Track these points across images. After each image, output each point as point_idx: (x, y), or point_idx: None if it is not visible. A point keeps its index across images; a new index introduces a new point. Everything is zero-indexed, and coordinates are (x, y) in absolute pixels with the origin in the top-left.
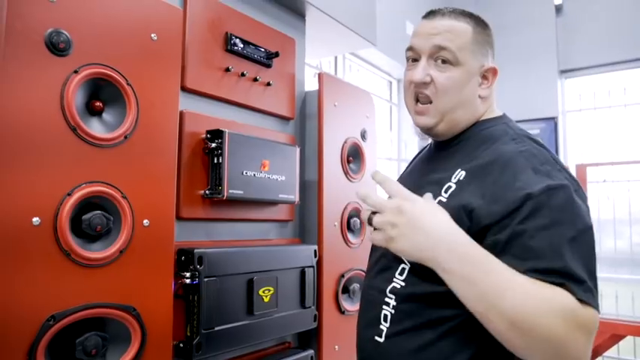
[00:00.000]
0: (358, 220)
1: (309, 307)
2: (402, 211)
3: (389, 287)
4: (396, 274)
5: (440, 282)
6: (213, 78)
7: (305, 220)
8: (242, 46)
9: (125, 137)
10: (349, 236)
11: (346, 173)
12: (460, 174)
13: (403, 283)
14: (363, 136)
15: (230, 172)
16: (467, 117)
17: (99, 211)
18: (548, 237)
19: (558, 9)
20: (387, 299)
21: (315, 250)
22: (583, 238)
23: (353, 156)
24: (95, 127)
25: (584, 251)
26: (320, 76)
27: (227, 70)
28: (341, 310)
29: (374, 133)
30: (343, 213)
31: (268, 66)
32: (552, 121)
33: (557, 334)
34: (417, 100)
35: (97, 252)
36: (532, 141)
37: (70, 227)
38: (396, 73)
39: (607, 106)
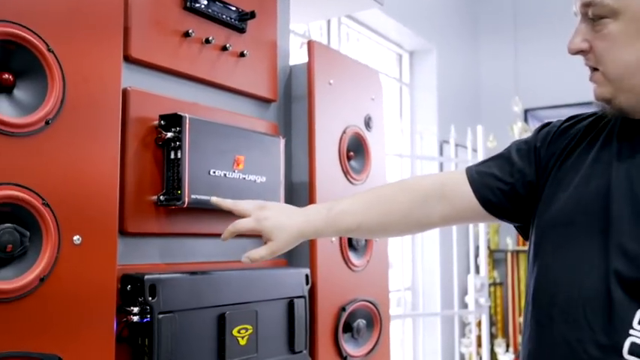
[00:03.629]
0: None
1: (300, 351)
2: (266, 204)
3: (626, 344)
4: (635, 323)
5: None
6: (168, 45)
7: None
8: (206, 3)
9: (46, 123)
10: (351, 256)
11: (346, 173)
12: None
13: None
14: (368, 124)
15: (192, 172)
16: None
17: (10, 225)
18: None
19: None
20: None
21: (306, 275)
22: None
23: (354, 150)
24: (3, 108)
25: None
26: (310, 44)
27: (186, 34)
28: (342, 356)
29: (382, 121)
30: None
31: (241, 30)
32: None
33: None
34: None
35: (7, 281)
36: None
37: None
38: (409, 44)
39: None
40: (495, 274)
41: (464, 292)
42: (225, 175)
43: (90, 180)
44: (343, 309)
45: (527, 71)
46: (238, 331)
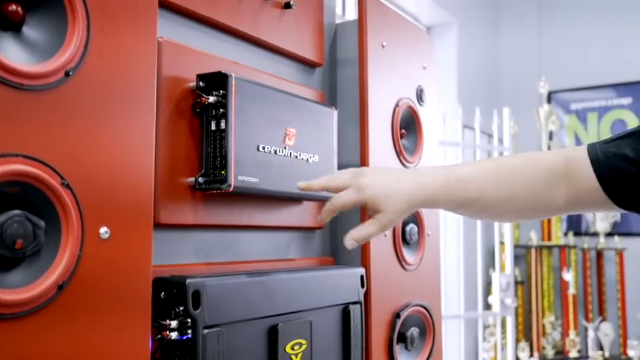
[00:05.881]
0: (416, 228)
1: None
2: (362, 170)
3: None
4: None
5: None
6: None
7: (339, 227)
8: None
9: (66, 74)
10: (405, 252)
11: (399, 154)
12: None
13: None
14: (420, 97)
15: (239, 147)
16: None
17: (19, 212)
18: None
19: None
20: None
21: (362, 276)
22: None
23: (406, 127)
24: (9, 51)
25: None
26: None
27: None
28: None
29: (434, 94)
30: None
31: None
32: None
33: None
34: None
35: (17, 290)
36: None
37: None
38: (427, 17)
39: None
40: (516, 271)
41: (484, 292)
42: (275, 151)
43: (120, 155)
44: (397, 315)
45: (550, 52)
46: (292, 347)
